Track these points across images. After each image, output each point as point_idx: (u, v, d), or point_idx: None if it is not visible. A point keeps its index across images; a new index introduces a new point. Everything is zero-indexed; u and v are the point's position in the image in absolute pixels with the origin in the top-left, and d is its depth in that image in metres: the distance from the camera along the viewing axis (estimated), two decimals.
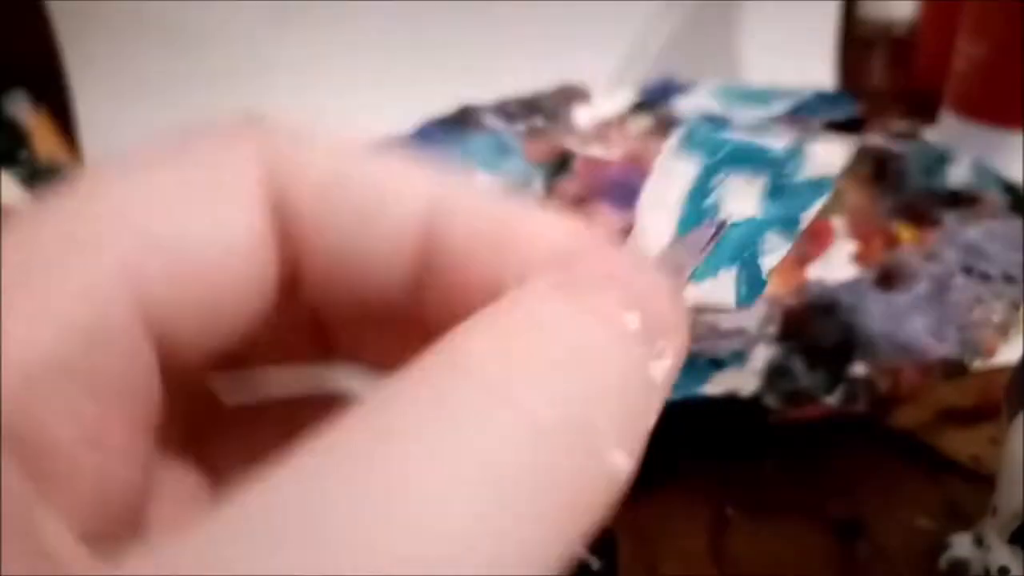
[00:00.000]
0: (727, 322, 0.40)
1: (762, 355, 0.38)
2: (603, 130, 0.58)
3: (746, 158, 0.15)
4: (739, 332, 0.39)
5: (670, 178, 0.15)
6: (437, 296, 0.15)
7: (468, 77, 0.60)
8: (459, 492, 0.10)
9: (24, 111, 0.58)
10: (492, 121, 0.57)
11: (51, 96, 0.59)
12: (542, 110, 0.58)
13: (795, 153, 0.15)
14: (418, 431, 0.10)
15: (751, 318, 0.40)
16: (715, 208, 0.15)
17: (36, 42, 0.59)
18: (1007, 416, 0.25)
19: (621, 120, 0.59)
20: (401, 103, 0.56)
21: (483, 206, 0.15)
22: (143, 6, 0.58)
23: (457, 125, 0.56)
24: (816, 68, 0.63)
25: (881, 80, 0.69)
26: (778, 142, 0.15)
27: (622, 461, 0.12)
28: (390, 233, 0.14)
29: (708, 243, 0.15)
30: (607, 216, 0.50)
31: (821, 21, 0.64)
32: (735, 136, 0.15)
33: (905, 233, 0.47)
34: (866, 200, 0.50)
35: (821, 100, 0.58)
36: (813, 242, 0.47)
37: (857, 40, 0.66)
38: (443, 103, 0.57)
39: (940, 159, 0.50)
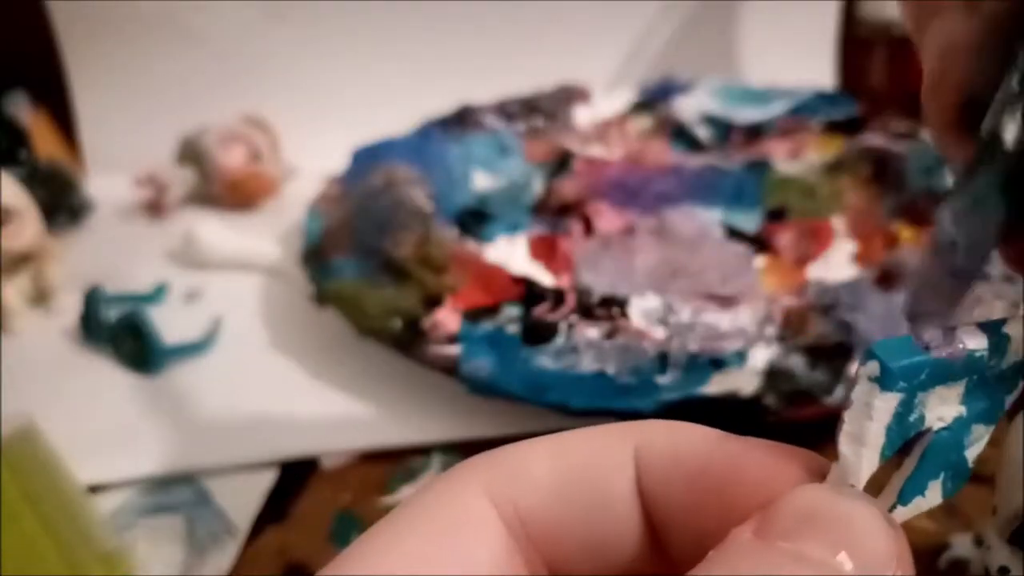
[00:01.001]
0: (727, 323, 0.40)
1: (762, 355, 0.38)
2: (603, 130, 0.58)
3: (948, 371, 0.15)
4: (739, 332, 0.39)
5: (870, 411, 0.14)
6: (674, 541, 0.16)
7: (468, 77, 0.60)
8: None
9: (24, 111, 0.58)
10: (492, 121, 0.57)
11: (51, 96, 0.59)
12: (542, 110, 0.58)
13: (998, 346, 0.15)
14: None
15: (751, 318, 0.40)
16: (920, 420, 0.15)
17: (36, 42, 0.59)
18: (1007, 416, 0.25)
19: (621, 120, 0.59)
20: (401, 103, 0.56)
21: (680, 446, 0.16)
22: (143, 6, 0.58)
23: (457, 125, 0.56)
24: (816, 68, 0.64)
25: (881, 80, 0.69)
26: (980, 340, 0.15)
27: None
28: (620, 512, 0.16)
29: (916, 457, 0.15)
30: (607, 216, 0.50)
31: (821, 21, 0.64)
32: (932, 353, 0.14)
33: (905, 233, 0.47)
34: (866, 200, 0.50)
35: (821, 100, 0.58)
36: (813, 242, 0.47)
37: (857, 40, 0.65)
38: (443, 103, 0.57)
39: (940, 159, 0.50)
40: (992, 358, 0.15)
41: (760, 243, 0.48)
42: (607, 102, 0.59)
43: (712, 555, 0.14)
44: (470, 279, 0.43)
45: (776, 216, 0.50)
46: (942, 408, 0.15)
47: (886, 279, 0.42)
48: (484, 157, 0.54)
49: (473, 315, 0.40)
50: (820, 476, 0.15)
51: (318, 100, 0.61)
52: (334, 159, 0.53)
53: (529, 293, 0.42)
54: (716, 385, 0.36)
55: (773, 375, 0.37)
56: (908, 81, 0.68)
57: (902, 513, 0.16)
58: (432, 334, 0.40)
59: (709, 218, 0.49)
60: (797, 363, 0.37)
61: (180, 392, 0.42)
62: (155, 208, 0.56)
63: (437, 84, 0.59)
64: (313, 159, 0.56)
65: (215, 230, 0.51)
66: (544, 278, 0.45)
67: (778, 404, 0.36)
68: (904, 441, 0.15)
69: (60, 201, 0.54)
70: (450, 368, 0.38)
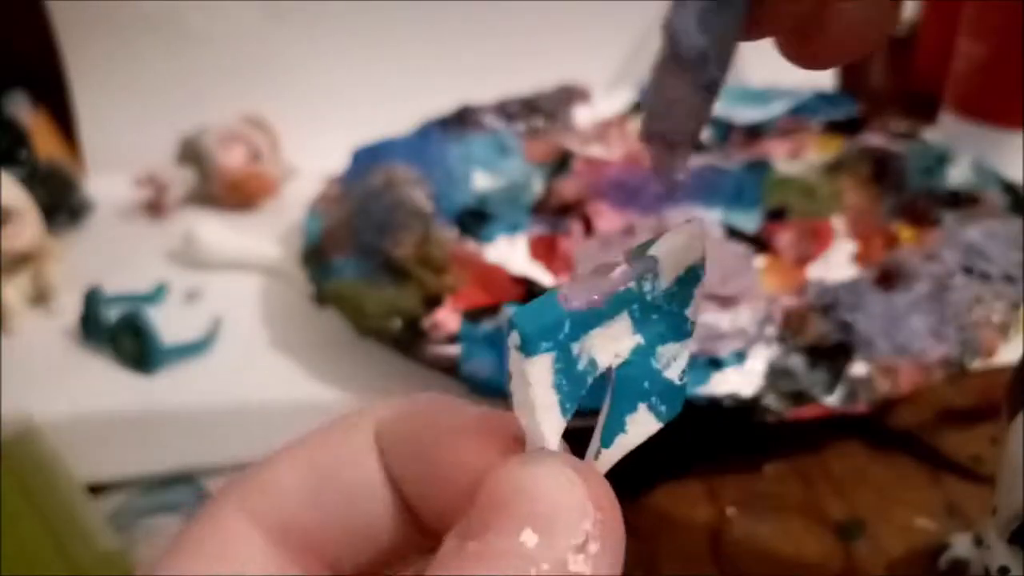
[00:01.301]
0: (727, 323, 0.40)
1: (762, 355, 0.38)
2: (603, 130, 0.58)
3: (596, 316, 0.14)
4: (739, 332, 0.39)
5: (526, 378, 0.14)
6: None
7: (468, 77, 0.60)
8: None
9: (24, 111, 0.58)
10: (492, 121, 0.57)
11: (51, 96, 0.59)
12: (542, 110, 0.58)
13: (648, 272, 0.14)
14: None
15: (751, 318, 0.40)
16: (593, 365, 0.14)
17: (36, 42, 0.59)
18: (1007, 416, 0.25)
19: (621, 120, 0.59)
20: (401, 103, 0.56)
21: (412, 431, 0.16)
22: (143, 6, 0.58)
23: (457, 125, 0.56)
24: None
25: (881, 80, 0.69)
26: (618, 278, 0.14)
27: None
28: (374, 499, 0.16)
29: (608, 398, 0.15)
30: (607, 216, 0.50)
31: None
32: (568, 306, 0.14)
33: (905, 233, 0.47)
34: (866, 200, 0.50)
35: (821, 100, 0.58)
36: (813, 242, 0.47)
37: None
38: (443, 103, 0.57)
39: (940, 159, 0.50)
40: (644, 284, 0.14)
41: (760, 243, 0.48)
42: (607, 102, 0.60)
43: (430, 567, 0.14)
44: (470, 279, 0.43)
45: (776, 216, 0.50)
46: (613, 345, 0.15)
47: (886, 279, 0.42)
48: (484, 157, 0.54)
49: (473, 315, 0.40)
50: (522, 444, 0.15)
51: (318, 100, 0.61)
52: (334, 159, 0.53)
53: (529, 293, 0.42)
54: (716, 385, 0.36)
55: (773, 375, 0.37)
56: (908, 81, 0.68)
57: (609, 456, 0.15)
58: (432, 334, 0.40)
59: (709, 218, 0.49)
60: (797, 363, 0.37)
61: (180, 392, 0.42)
62: (155, 208, 0.56)
63: (437, 84, 0.59)
64: (313, 159, 0.56)
65: (215, 230, 0.51)
66: (544, 278, 0.45)
67: (778, 404, 0.36)
68: (585, 389, 0.15)
69: (60, 201, 0.54)
70: (450, 368, 0.38)
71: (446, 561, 0.14)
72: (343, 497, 0.16)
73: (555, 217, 0.50)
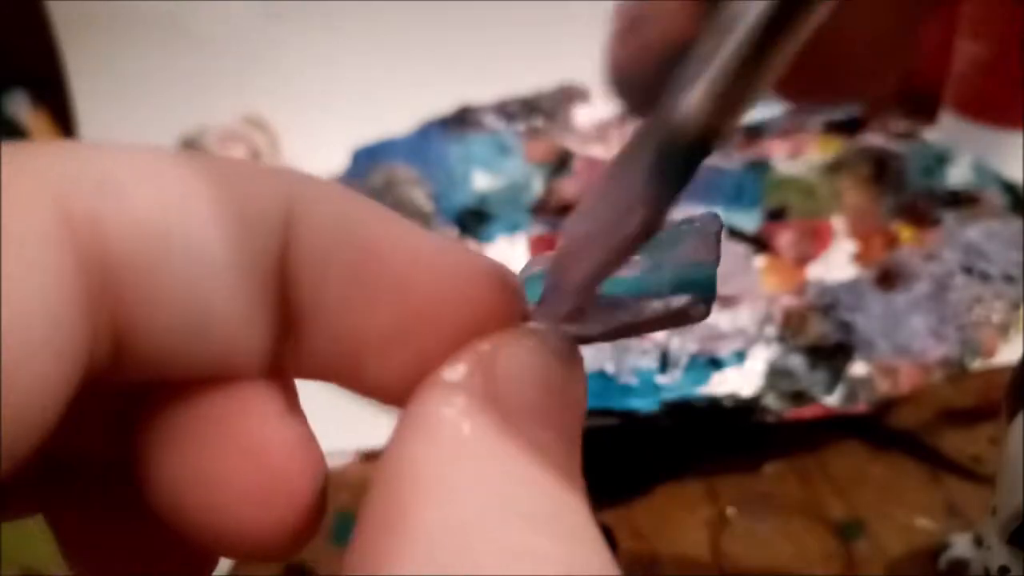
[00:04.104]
0: (727, 323, 0.40)
1: (762, 355, 0.38)
2: (603, 130, 0.58)
3: None
4: (739, 332, 0.39)
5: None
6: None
7: (468, 77, 0.60)
8: None
9: (24, 111, 0.58)
10: (492, 121, 0.57)
11: (51, 96, 0.59)
12: (542, 110, 0.58)
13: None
14: None
15: (751, 318, 0.40)
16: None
17: (36, 42, 0.58)
18: (1007, 416, 0.25)
19: (621, 120, 0.58)
20: (401, 103, 0.56)
21: (348, 214, 0.12)
22: (142, 7, 0.58)
23: (457, 125, 0.56)
24: None
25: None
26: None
27: None
28: (237, 283, 0.12)
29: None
30: None
31: None
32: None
33: (905, 233, 0.47)
34: (866, 200, 0.50)
35: None
36: (813, 242, 0.47)
37: None
38: (443, 103, 0.57)
39: (940, 159, 0.50)
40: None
41: (760, 243, 0.48)
42: (607, 102, 0.59)
43: (403, 417, 0.11)
44: None
45: (776, 216, 0.50)
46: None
47: (886, 279, 0.41)
48: (484, 157, 0.54)
49: None
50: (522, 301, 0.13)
51: (318, 100, 0.61)
52: (334, 159, 0.53)
53: None
54: (716, 385, 0.36)
55: (773, 375, 0.37)
56: (908, 81, 0.68)
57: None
58: None
59: None
60: (797, 363, 0.37)
61: None
62: None
63: (437, 84, 0.59)
64: (313, 159, 0.56)
65: None
66: None
67: (778, 404, 0.36)
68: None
69: None
70: None
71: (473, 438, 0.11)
72: (201, 261, 0.11)
73: (555, 217, 0.50)
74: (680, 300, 0.13)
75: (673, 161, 0.11)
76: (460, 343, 0.12)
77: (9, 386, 0.10)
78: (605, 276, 0.13)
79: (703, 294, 0.13)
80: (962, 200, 0.47)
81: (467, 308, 0.12)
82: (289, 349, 0.13)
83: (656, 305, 0.13)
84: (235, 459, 0.12)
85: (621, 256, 0.12)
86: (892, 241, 0.46)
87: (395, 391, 0.13)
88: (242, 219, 0.12)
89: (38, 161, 0.11)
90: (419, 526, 0.10)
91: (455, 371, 0.12)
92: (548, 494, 0.11)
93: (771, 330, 0.39)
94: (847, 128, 0.55)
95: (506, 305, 0.13)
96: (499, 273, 0.13)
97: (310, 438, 0.14)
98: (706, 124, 0.10)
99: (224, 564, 0.34)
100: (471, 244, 0.47)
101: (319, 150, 0.54)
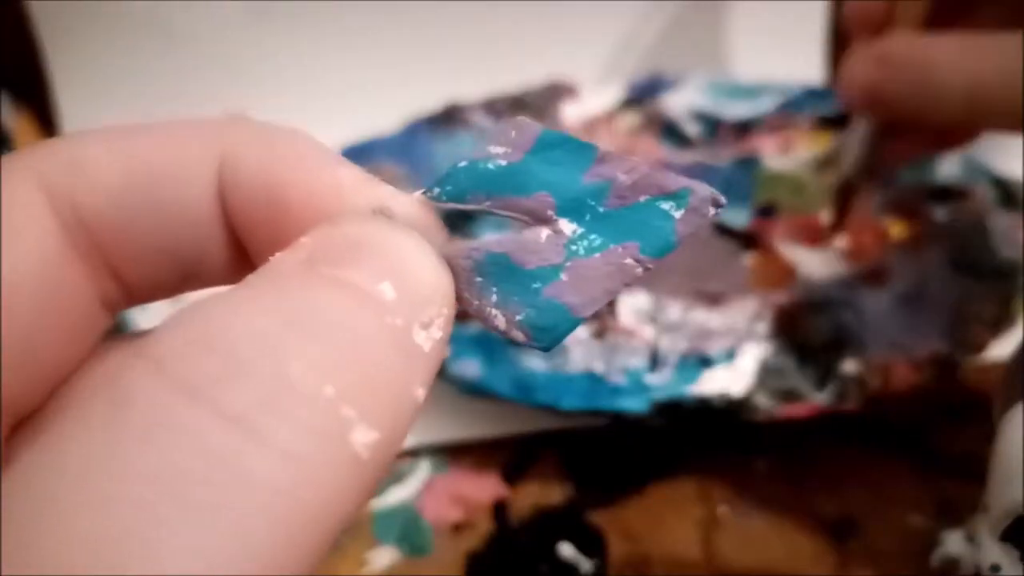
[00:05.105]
0: (717, 321, 0.40)
1: (752, 353, 0.37)
2: (592, 127, 0.57)
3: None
4: (729, 330, 0.39)
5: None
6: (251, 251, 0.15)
7: (455, 74, 0.60)
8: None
9: (7, 112, 0.57)
10: (480, 118, 0.57)
11: (34, 97, 0.59)
12: (530, 107, 0.58)
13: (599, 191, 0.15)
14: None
15: (741, 316, 0.40)
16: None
17: (18, 42, 0.58)
18: (998, 413, 0.25)
19: (610, 117, 0.58)
20: (388, 101, 0.56)
21: (265, 161, 0.15)
22: (125, 6, 0.58)
23: (445, 123, 0.56)
24: (805, 63, 0.63)
25: None
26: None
27: (367, 439, 0.12)
28: (196, 222, 0.15)
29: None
30: None
31: (809, 16, 0.64)
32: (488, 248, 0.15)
33: (895, 228, 0.46)
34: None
35: (810, 95, 0.58)
36: (803, 238, 0.47)
37: (846, 35, 0.65)
38: (430, 100, 0.57)
39: (930, 155, 0.50)
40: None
41: (750, 239, 0.47)
42: (595, 98, 0.59)
43: (250, 278, 0.13)
44: None
45: (766, 212, 0.49)
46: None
47: (876, 275, 0.41)
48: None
49: (460, 315, 0.40)
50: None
51: (304, 98, 0.61)
52: None
53: None
54: (706, 383, 0.36)
55: (763, 373, 0.37)
56: None
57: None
58: None
59: None
60: (787, 361, 0.37)
61: None
62: None
63: (424, 81, 0.58)
64: None
65: None
66: None
67: (768, 402, 0.35)
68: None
69: None
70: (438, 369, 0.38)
71: (288, 274, 0.13)
72: (163, 210, 0.15)
73: None
74: (518, 335, 0.16)
75: None
76: None
77: (9, 305, 0.13)
78: None
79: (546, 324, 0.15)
80: (952, 195, 0.47)
81: None
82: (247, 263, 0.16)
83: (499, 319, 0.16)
84: None
85: None
86: (882, 236, 0.46)
87: None
88: (181, 169, 0.15)
89: (25, 153, 0.15)
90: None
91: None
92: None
93: (761, 328, 0.39)
94: (837, 123, 0.55)
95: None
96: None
97: None
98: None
99: None
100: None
101: None
